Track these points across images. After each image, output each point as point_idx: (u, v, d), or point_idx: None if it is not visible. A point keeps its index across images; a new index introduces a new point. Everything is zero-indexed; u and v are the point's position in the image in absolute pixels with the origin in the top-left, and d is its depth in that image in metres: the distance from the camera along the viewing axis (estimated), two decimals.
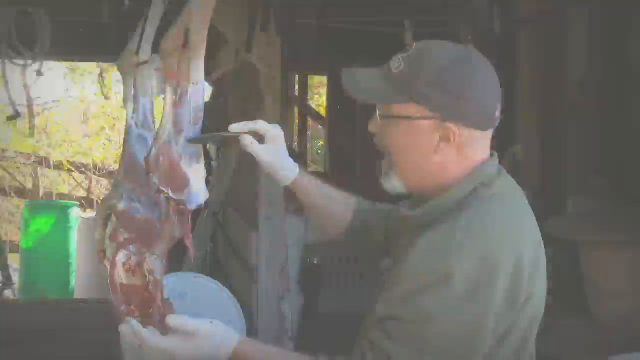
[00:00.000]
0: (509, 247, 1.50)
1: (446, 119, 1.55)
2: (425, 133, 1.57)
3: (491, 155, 1.64)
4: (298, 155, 7.26)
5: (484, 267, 1.46)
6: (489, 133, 1.62)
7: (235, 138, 1.81)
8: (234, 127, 1.81)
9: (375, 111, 1.64)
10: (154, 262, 1.89)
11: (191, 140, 1.80)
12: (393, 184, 1.64)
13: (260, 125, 1.80)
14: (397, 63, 1.59)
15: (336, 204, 1.91)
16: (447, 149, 1.57)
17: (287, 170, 1.83)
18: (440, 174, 1.59)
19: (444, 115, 1.55)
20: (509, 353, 1.54)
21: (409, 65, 1.57)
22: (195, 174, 1.87)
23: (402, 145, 1.59)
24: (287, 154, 1.83)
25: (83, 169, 10.74)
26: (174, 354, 1.57)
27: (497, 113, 1.60)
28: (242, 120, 1.82)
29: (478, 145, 1.60)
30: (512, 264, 1.49)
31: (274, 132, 1.80)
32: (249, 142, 1.78)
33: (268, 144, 1.79)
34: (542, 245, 1.64)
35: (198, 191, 1.85)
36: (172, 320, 1.60)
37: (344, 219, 1.91)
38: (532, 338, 1.61)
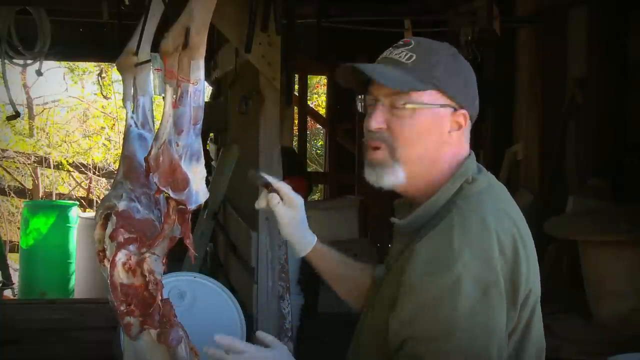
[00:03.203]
0: (501, 242, 1.49)
1: (461, 104, 1.59)
2: (441, 121, 1.58)
3: (470, 152, 1.65)
4: (298, 155, 7.26)
5: (486, 266, 1.46)
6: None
7: (267, 189, 1.82)
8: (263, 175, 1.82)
9: (377, 107, 1.59)
10: (154, 262, 1.88)
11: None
12: (395, 175, 1.58)
13: (284, 188, 1.81)
14: (405, 55, 1.58)
15: (355, 272, 1.89)
16: (451, 141, 1.59)
17: (306, 239, 1.85)
18: (434, 168, 1.59)
19: (460, 100, 1.59)
20: (510, 349, 1.53)
21: (422, 55, 1.58)
22: (195, 174, 1.86)
23: (416, 135, 1.57)
24: (307, 224, 1.84)
25: (83, 169, 10.73)
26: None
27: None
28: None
29: (465, 140, 1.64)
30: (507, 258, 1.49)
31: (295, 200, 1.81)
32: (277, 201, 1.80)
33: (292, 210, 1.81)
34: (530, 240, 1.63)
35: (198, 191, 1.85)
36: (259, 334, 1.69)
37: (364, 286, 1.87)
38: (537, 332, 1.58)
